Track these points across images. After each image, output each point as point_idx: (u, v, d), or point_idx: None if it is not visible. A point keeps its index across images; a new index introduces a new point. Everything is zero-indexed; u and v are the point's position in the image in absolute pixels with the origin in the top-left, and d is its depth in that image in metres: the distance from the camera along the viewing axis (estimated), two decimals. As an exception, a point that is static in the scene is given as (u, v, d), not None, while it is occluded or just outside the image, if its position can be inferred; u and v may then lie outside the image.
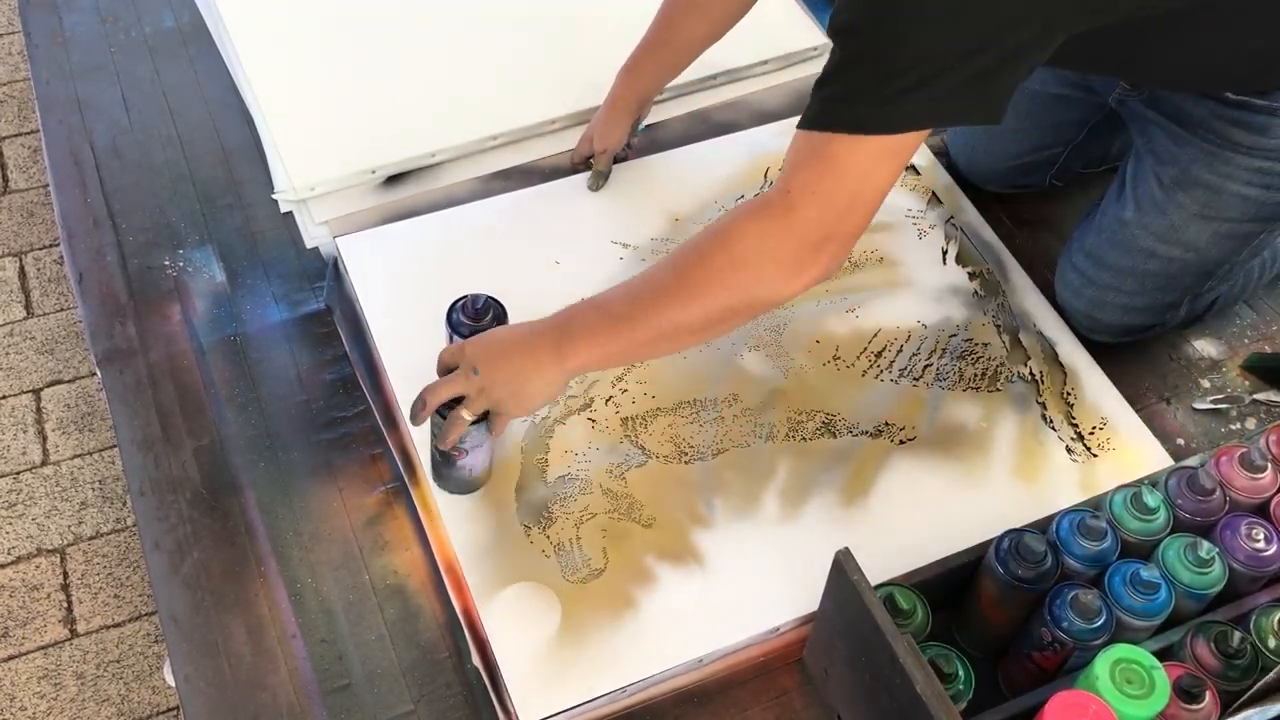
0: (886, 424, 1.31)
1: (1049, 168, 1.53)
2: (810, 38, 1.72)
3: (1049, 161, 1.52)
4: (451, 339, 1.21)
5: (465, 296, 1.21)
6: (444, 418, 1.11)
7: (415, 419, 1.12)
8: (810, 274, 1.04)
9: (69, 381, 1.86)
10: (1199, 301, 1.37)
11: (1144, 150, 1.35)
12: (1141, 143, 1.35)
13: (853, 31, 0.98)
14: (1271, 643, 1.02)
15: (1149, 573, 1.01)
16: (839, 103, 0.99)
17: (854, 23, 0.97)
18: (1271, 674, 0.93)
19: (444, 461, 1.18)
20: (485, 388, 1.08)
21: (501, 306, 1.21)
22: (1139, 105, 1.34)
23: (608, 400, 1.31)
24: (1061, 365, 1.38)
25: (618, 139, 1.49)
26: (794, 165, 1.02)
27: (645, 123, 1.54)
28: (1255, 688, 0.94)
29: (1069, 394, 1.36)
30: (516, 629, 1.14)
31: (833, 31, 1.01)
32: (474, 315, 1.20)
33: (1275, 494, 1.11)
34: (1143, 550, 1.07)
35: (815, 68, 1.70)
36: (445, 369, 1.12)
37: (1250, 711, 0.93)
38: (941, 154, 1.60)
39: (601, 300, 1.09)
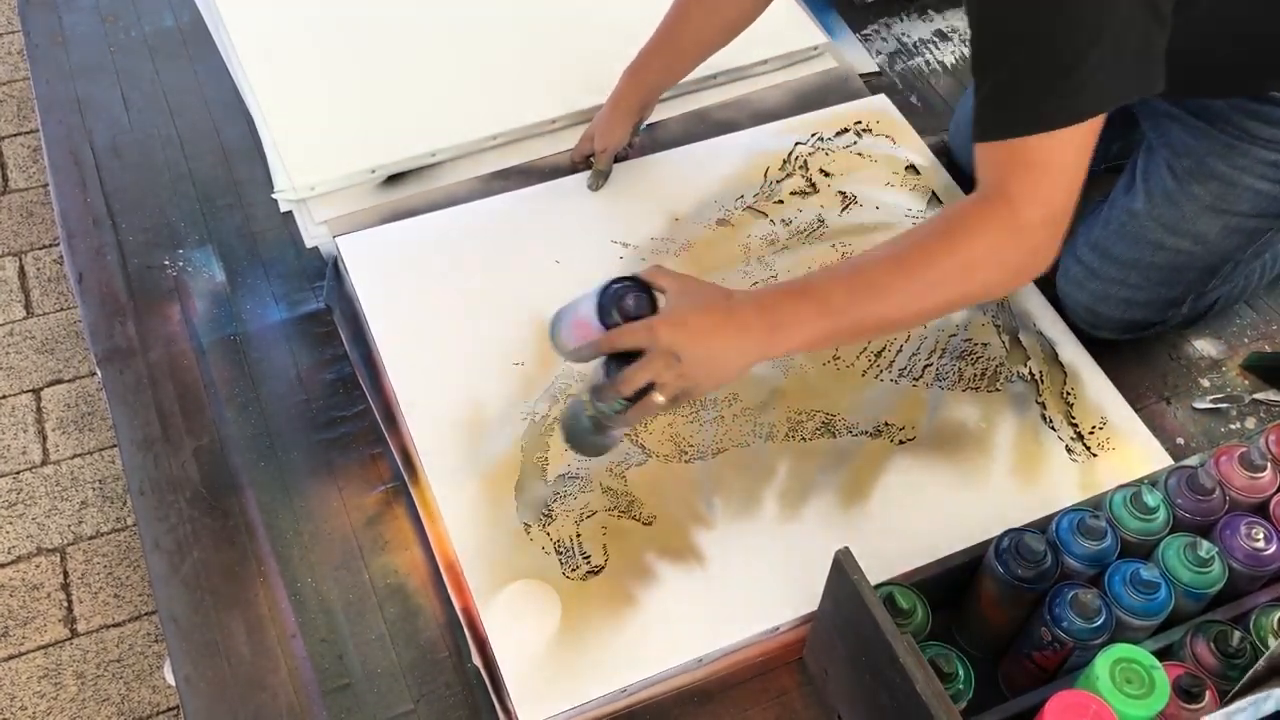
0: (886, 424, 1.31)
1: None
2: (810, 37, 1.72)
3: None
4: (603, 319, 1.05)
5: (624, 286, 1.05)
6: (610, 381, 1.04)
7: (603, 397, 1.04)
8: (1035, 272, 1.06)
9: (69, 381, 1.86)
10: (1201, 300, 1.37)
11: (1157, 143, 1.35)
12: (1155, 136, 1.36)
13: (1014, 38, 0.99)
14: (1271, 642, 1.02)
15: (1149, 572, 1.01)
16: (1023, 109, 1.00)
17: (1011, 29, 0.98)
18: (1260, 662, 0.93)
19: (594, 430, 1.09)
20: (685, 374, 1.03)
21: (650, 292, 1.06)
22: (1157, 100, 1.34)
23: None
24: (1061, 365, 1.38)
25: (619, 139, 1.48)
26: (1004, 174, 1.02)
27: (646, 122, 1.54)
28: (1246, 677, 0.94)
29: (1069, 394, 1.36)
30: (516, 628, 1.14)
31: (987, 43, 1.02)
32: (633, 316, 1.05)
33: (1275, 493, 1.11)
34: (1142, 550, 1.07)
35: (815, 67, 1.70)
36: (621, 347, 1.04)
37: (1242, 702, 0.93)
38: (942, 153, 1.60)
39: (815, 288, 1.05)
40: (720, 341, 1.03)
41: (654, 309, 1.05)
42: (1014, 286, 1.11)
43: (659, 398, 1.04)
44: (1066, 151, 1.01)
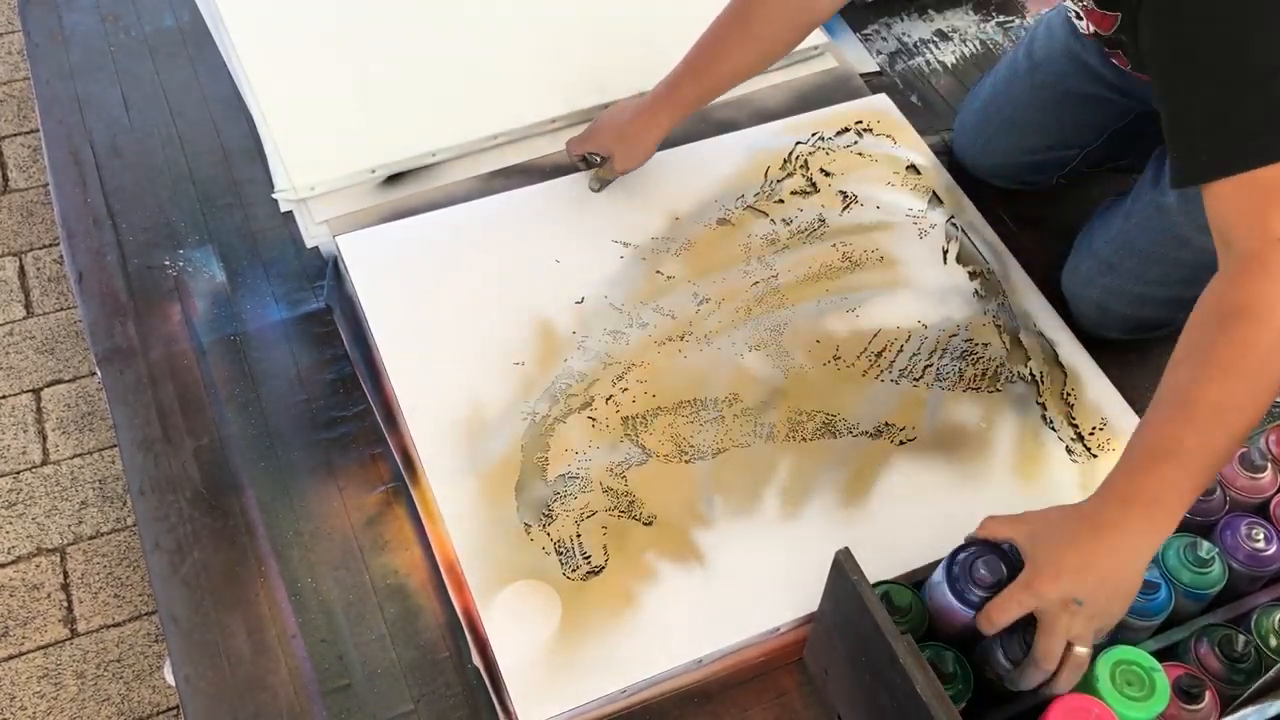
0: (887, 424, 1.31)
1: (1059, 169, 1.53)
2: (811, 37, 1.71)
3: (1061, 162, 1.52)
4: (963, 599, 0.97)
5: (969, 555, 0.97)
6: (1027, 663, 0.94)
7: (1026, 678, 0.94)
8: None
9: (69, 381, 1.86)
10: None
11: None
12: None
13: (1212, 68, 0.92)
14: (1273, 642, 1.02)
15: (1149, 573, 1.01)
16: (1251, 140, 0.92)
17: (1208, 54, 0.92)
18: (1271, 673, 0.93)
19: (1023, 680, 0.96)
20: (1094, 614, 0.91)
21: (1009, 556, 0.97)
22: None
23: (608, 399, 1.31)
24: (1062, 365, 1.38)
25: (639, 160, 1.45)
26: (1265, 215, 0.92)
27: None
28: (1254, 687, 0.94)
29: (1069, 394, 1.35)
30: (516, 628, 1.14)
31: (1180, 79, 0.95)
32: (992, 584, 0.96)
33: (1275, 494, 1.11)
34: (1143, 550, 1.07)
35: (816, 67, 1.70)
36: (1007, 623, 0.93)
37: (1248, 710, 0.93)
38: (943, 153, 1.60)
39: (1162, 448, 0.93)
40: (1109, 562, 0.91)
41: (1007, 562, 0.96)
42: None
43: (1082, 650, 0.92)
44: None
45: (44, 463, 1.77)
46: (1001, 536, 0.97)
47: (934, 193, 1.55)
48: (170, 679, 1.38)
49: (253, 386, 1.32)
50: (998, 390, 1.35)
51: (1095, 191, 1.51)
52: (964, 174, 1.57)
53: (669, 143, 1.59)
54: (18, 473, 1.76)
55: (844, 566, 0.98)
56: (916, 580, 1.06)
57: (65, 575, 1.67)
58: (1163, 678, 0.93)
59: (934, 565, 1.07)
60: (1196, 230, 1.30)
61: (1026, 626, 0.94)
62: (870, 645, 0.97)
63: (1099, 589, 0.90)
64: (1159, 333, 1.38)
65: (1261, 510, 1.11)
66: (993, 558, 0.97)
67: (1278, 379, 0.91)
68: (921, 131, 1.62)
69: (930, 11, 1.83)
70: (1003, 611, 0.92)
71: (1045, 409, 1.34)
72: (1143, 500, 0.91)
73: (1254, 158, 0.92)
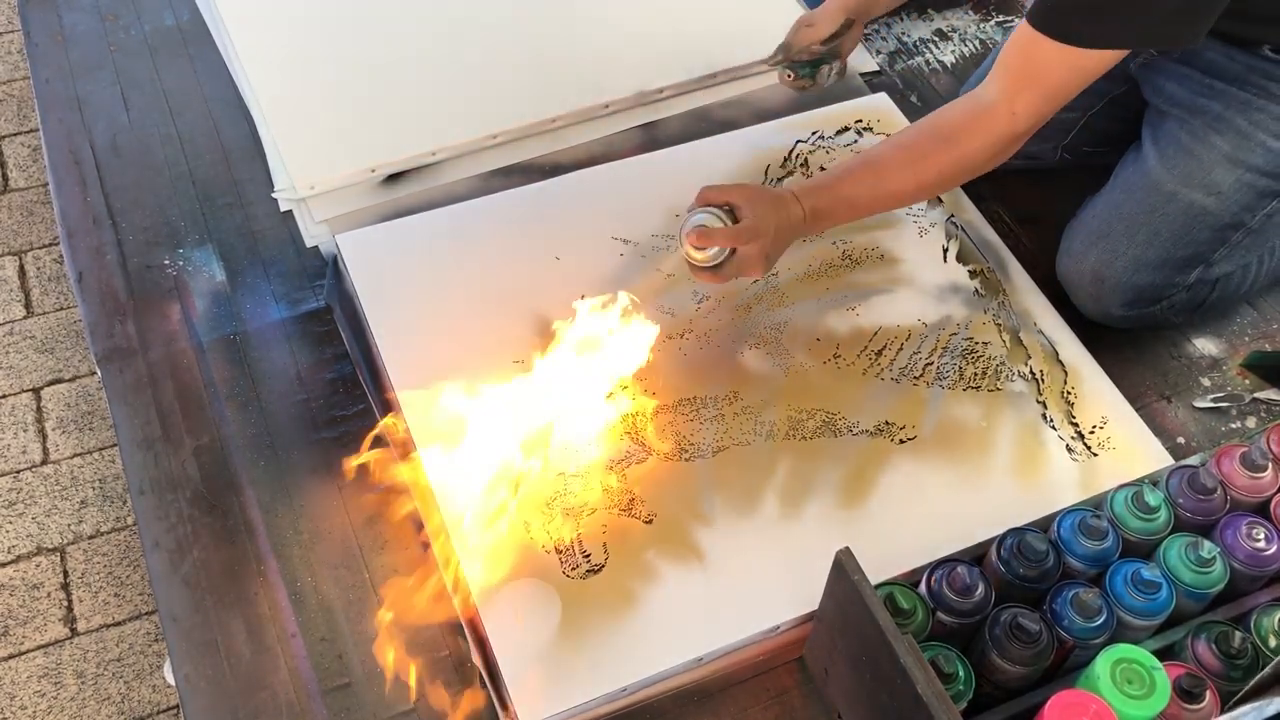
0: (887, 423, 1.31)
1: (1062, 135, 1.53)
2: (811, 36, 1.71)
3: (1063, 127, 1.52)
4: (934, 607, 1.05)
5: (953, 569, 1.04)
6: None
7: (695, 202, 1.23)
8: (1009, 155, 1.26)
9: (69, 380, 1.85)
10: (1209, 272, 1.37)
11: (1167, 107, 1.39)
12: (1162, 102, 1.39)
13: None
14: (1272, 642, 1.02)
15: (1150, 572, 1.01)
16: (1059, 13, 1.15)
17: None
18: (1268, 669, 0.93)
19: None
20: (755, 262, 1.22)
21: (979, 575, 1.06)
22: (1168, 63, 1.38)
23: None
24: (1062, 364, 1.38)
25: (822, 30, 1.44)
26: (1020, 86, 1.20)
27: (655, 116, 1.51)
28: (1252, 683, 0.94)
29: (1069, 393, 1.35)
30: (516, 627, 1.14)
31: None
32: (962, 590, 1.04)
33: (1276, 493, 1.11)
34: (1144, 550, 1.07)
35: (816, 66, 1.70)
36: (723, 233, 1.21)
37: (1246, 707, 0.93)
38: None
39: (846, 194, 1.26)
40: (783, 241, 1.25)
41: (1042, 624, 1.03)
42: (995, 165, 1.27)
43: (700, 251, 1.21)
44: (1079, 79, 1.19)
45: (44, 462, 1.77)
46: (721, 200, 1.21)
47: (934, 191, 1.54)
48: (170, 678, 1.38)
49: (253, 386, 1.32)
50: (998, 389, 1.35)
51: (1093, 192, 1.51)
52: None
53: (670, 141, 1.59)
54: (18, 472, 1.76)
55: (845, 566, 0.98)
56: (916, 580, 1.06)
57: (65, 575, 1.67)
58: (1163, 676, 0.93)
59: (934, 565, 1.07)
60: (1182, 185, 1.33)
61: (1022, 630, 0.99)
62: (871, 645, 0.97)
63: (774, 253, 1.24)
64: (1156, 307, 1.38)
65: (1262, 510, 1.11)
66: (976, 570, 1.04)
67: (941, 188, 1.32)
68: (922, 130, 1.61)
69: (930, 11, 1.83)
70: (744, 231, 1.20)
71: (1045, 407, 1.34)
72: (814, 221, 1.25)
73: (1054, 28, 1.16)
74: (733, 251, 1.21)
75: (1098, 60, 1.18)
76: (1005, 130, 1.22)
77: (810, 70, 1.45)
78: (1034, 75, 1.20)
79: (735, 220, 1.22)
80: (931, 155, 1.24)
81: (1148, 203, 1.35)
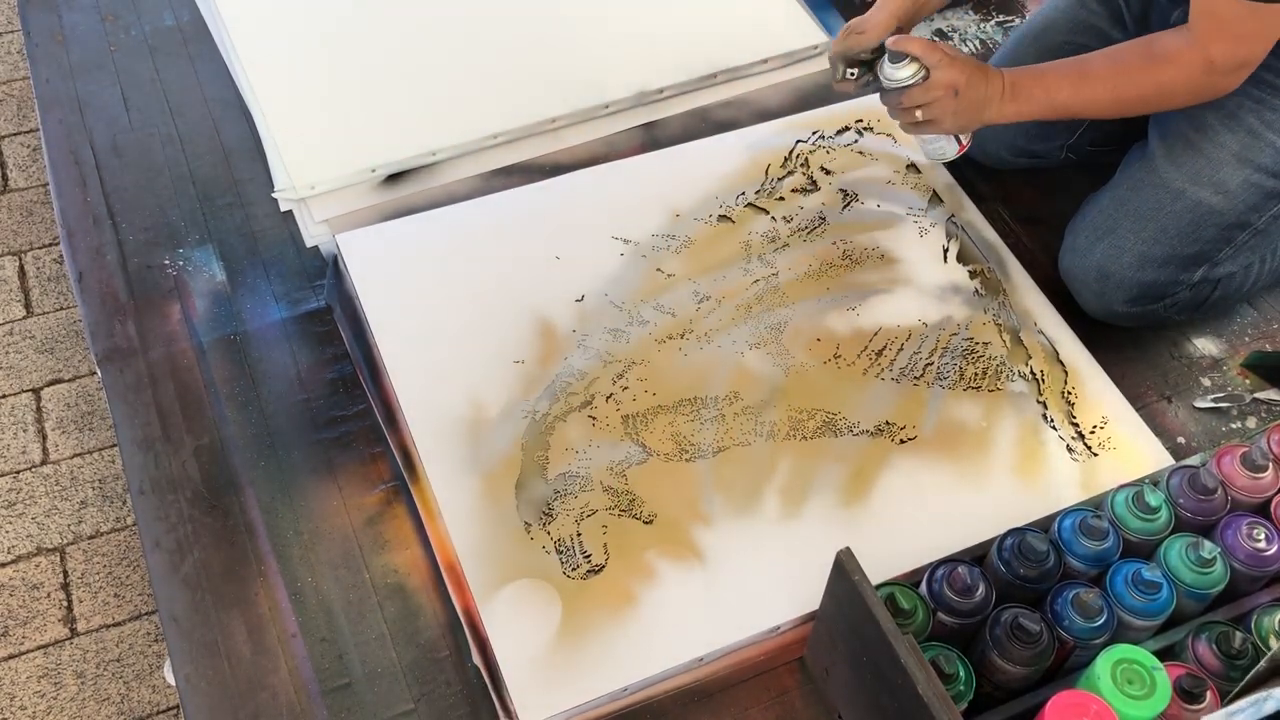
0: (887, 423, 1.31)
1: (1068, 134, 1.53)
2: (811, 37, 1.72)
3: (1069, 127, 1.52)
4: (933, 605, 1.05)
5: (954, 569, 1.04)
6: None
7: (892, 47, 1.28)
8: (1219, 94, 1.28)
9: (69, 380, 1.85)
10: (1213, 271, 1.37)
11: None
12: None
13: None
14: (1272, 642, 1.02)
15: (1151, 572, 1.01)
16: None
17: None
18: (1262, 663, 0.93)
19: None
20: (952, 113, 1.29)
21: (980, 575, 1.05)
22: None
23: (608, 398, 1.31)
24: (1062, 364, 1.38)
25: (873, 38, 1.38)
26: (1214, 35, 1.21)
27: (655, 116, 1.51)
28: (1248, 677, 0.93)
29: (1069, 393, 1.35)
30: (517, 627, 1.14)
31: None
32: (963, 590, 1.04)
33: (1276, 493, 1.11)
34: (1144, 550, 1.07)
35: (815, 66, 1.70)
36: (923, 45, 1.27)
37: (1242, 702, 0.92)
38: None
39: (1048, 83, 1.29)
40: (986, 105, 1.29)
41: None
42: (1198, 103, 1.30)
43: (925, 120, 1.30)
44: (1270, 31, 1.21)
45: (44, 462, 1.77)
46: (919, 47, 1.27)
47: (934, 191, 1.54)
48: (170, 679, 1.38)
49: (253, 386, 1.32)
50: (998, 389, 1.35)
51: (1094, 191, 1.50)
52: (970, 159, 1.54)
53: (670, 141, 1.59)
54: (18, 472, 1.75)
55: (845, 566, 0.98)
56: (917, 580, 1.06)
57: (65, 575, 1.67)
58: (1164, 676, 0.93)
59: (934, 565, 1.07)
60: (1189, 182, 1.32)
61: (1022, 630, 0.99)
62: (872, 645, 0.97)
63: (967, 106, 1.28)
64: (1159, 305, 1.37)
65: (1263, 510, 1.11)
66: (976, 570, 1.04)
67: (1140, 108, 1.31)
68: (922, 130, 1.62)
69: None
70: (913, 44, 1.27)
71: (1046, 407, 1.34)
72: (1017, 98, 1.29)
73: None
74: (926, 75, 1.26)
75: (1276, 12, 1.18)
76: (1201, 71, 1.23)
77: (866, 69, 1.45)
78: (1220, 27, 1.21)
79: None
80: (1136, 71, 1.26)
81: (1154, 199, 1.35)
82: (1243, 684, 0.94)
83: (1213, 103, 1.34)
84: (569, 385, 1.32)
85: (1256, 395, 1.39)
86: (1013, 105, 1.29)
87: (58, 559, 1.68)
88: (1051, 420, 1.33)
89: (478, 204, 1.49)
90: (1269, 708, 0.90)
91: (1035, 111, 1.31)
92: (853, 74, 1.41)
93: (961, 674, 0.99)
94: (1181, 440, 1.34)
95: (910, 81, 1.28)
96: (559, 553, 1.19)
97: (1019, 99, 1.29)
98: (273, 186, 1.50)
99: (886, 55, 1.29)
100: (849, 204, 1.52)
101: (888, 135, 1.60)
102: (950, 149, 1.37)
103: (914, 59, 1.27)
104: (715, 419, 1.30)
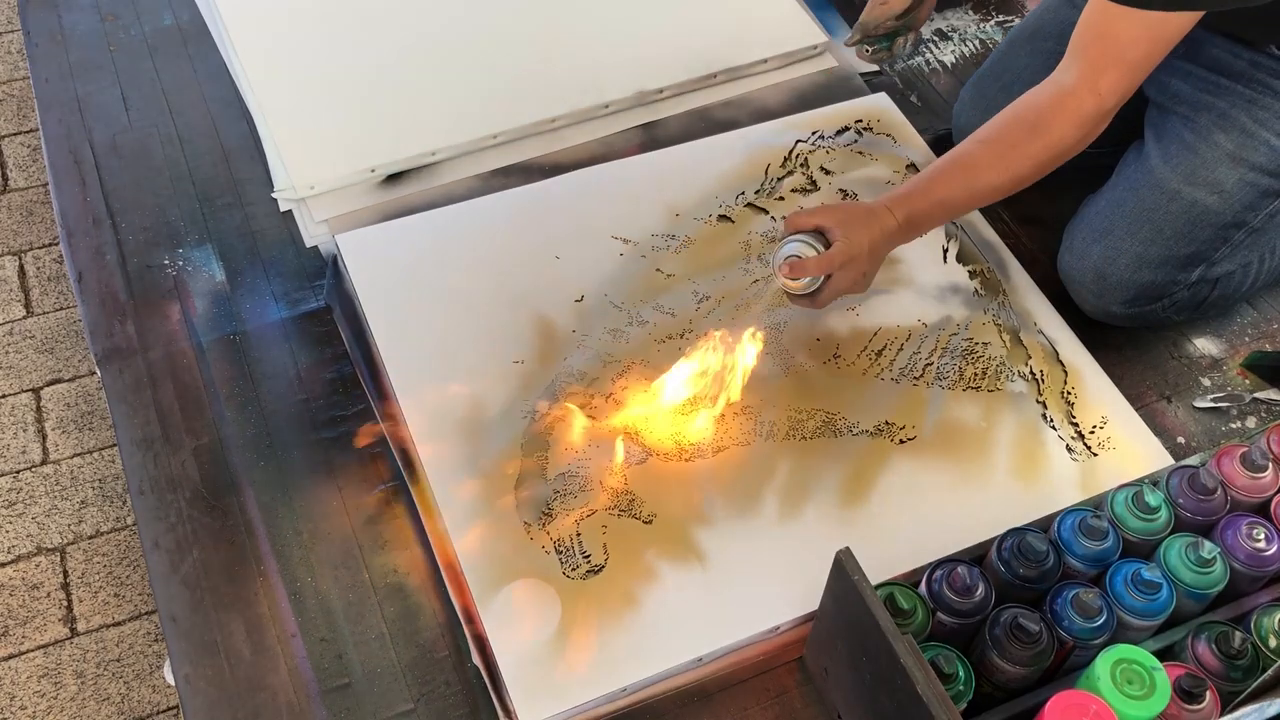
0: (887, 423, 1.31)
1: None
2: (811, 36, 1.72)
3: None
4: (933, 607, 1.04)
5: (953, 569, 1.03)
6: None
7: (788, 228, 1.28)
8: (1098, 134, 1.25)
9: (69, 380, 1.85)
10: (1211, 270, 1.37)
11: (1170, 105, 1.39)
12: (1166, 99, 1.40)
13: None
14: (1272, 642, 1.02)
15: (1150, 573, 1.01)
16: None
17: None
18: (1269, 672, 0.93)
19: None
20: (851, 282, 1.28)
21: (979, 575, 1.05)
22: (1172, 59, 1.37)
23: (608, 397, 1.31)
24: (1062, 364, 1.38)
25: (896, 6, 1.42)
26: (1104, 65, 1.20)
27: (655, 116, 1.51)
28: (1253, 685, 0.93)
29: (1069, 393, 1.35)
30: (516, 627, 1.14)
31: None
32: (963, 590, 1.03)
33: (1276, 493, 1.11)
34: (1144, 550, 1.07)
35: (816, 66, 1.70)
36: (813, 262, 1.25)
37: (1248, 709, 0.93)
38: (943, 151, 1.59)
39: (939, 197, 1.27)
40: (879, 256, 1.29)
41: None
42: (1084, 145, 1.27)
43: (792, 282, 1.27)
44: (1160, 47, 1.19)
45: (44, 462, 1.77)
46: (810, 225, 1.25)
47: (934, 191, 1.54)
48: (170, 679, 1.38)
49: (252, 386, 1.32)
50: (998, 389, 1.35)
51: (1093, 191, 1.50)
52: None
53: (669, 141, 1.59)
54: (18, 472, 1.76)
55: (845, 566, 0.98)
56: (916, 580, 1.06)
57: (65, 575, 1.67)
58: (1163, 676, 0.93)
59: (934, 565, 1.07)
60: (1185, 183, 1.33)
61: (1022, 630, 0.99)
62: (871, 645, 0.97)
63: (873, 267, 1.29)
64: (1157, 305, 1.37)
65: (1262, 510, 1.11)
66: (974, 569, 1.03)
67: (1035, 177, 1.27)
68: (921, 130, 1.62)
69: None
70: (809, 266, 1.24)
71: (1045, 408, 1.34)
72: (909, 231, 1.28)
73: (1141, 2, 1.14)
74: (829, 277, 1.25)
75: (1176, 25, 1.17)
76: (1092, 111, 1.22)
77: (886, 43, 1.45)
78: (1113, 52, 1.19)
79: (827, 243, 1.24)
80: (1021, 145, 1.25)
81: (1150, 200, 1.35)
82: (1249, 690, 0.94)
83: (1206, 103, 1.35)
84: (569, 385, 1.32)
85: (1256, 395, 1.39)
86: (913, 233, 1.29)
87: (58, 559, 1.68)
88: (1051, 420, 1.33)
89: (478, 204, 1.49)
90: (1272, 712, 0.90)
91: (936, 224, 1.32)
92: (866, 50, 1.42)
93: (961, 674, 0.99)
94: (1181, 440, 1.34)
95: (811, 289, 1.27)
96: (559, 553, 1.19)
97: (916, 226, 1.28)
98: (273, 186, 1.50)
99: (777, 268, 1.26)
100: (849, 204, 1.52)
101: (888, 135, 1.60)
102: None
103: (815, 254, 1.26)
104: (715, 419, 1.30)
